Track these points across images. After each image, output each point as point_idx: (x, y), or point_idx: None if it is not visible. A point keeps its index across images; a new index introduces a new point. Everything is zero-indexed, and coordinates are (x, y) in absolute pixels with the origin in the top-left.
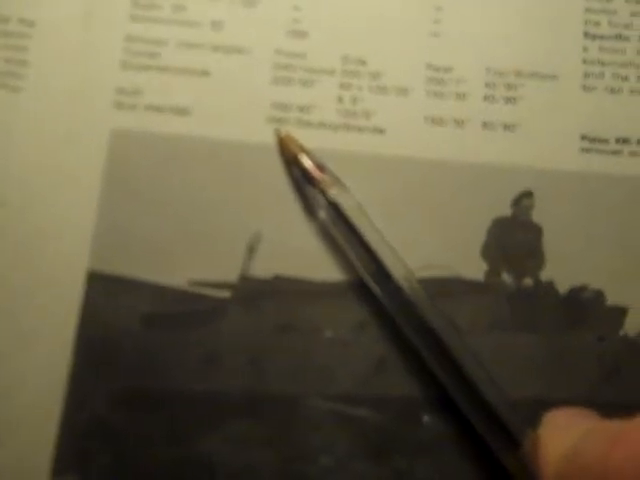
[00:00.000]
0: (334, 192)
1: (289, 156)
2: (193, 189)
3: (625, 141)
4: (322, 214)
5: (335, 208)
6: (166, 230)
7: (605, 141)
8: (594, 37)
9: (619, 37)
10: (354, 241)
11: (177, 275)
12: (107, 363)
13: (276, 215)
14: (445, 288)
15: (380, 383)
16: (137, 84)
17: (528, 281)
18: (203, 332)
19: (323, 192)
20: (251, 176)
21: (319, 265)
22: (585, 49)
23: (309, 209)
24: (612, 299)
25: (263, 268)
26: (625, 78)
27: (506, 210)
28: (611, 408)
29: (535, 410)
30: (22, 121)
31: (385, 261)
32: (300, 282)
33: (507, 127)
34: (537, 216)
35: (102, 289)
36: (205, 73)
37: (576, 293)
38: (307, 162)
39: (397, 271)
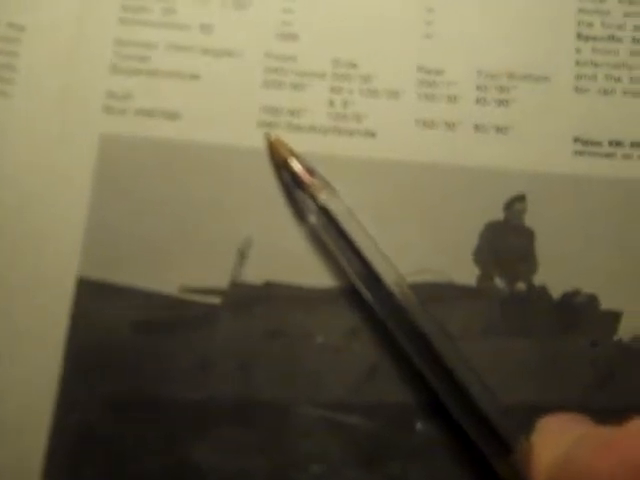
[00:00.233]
0: (324, 197)
1: (279, 160)
2: (183, 194)
3: (618, 144)
4: (312, 219)
5: (325, 213)
6: (156, 236)
7: (598, 144)
8: (587, 38)
9: (612, 38)
10: (344, 246)
11: (167, 281)
12: (98, 369)
13: (267, 220)
14: (437, 293)
15: (372, 390)
16: (127, 88)
17: (521, 286)
18: (194, 339)
19: (313, 197)
20: (241, 181)
21: (310, 271)
22: (578, 50)
23: (299, 214)
24: (606, 303)
25: (254, 274)
26: (618, 79)
27: (498, 214)
28: (605, 414)
29: (528, 416)
30: (11, 127)
31: (376, 266)
32: (291, 288)
33: (499, 130)
34: (530, 220)
35: (92, 295)
36: (195, 77)
37: (569, 297)
38: (297, 166)
39: (388, 276)
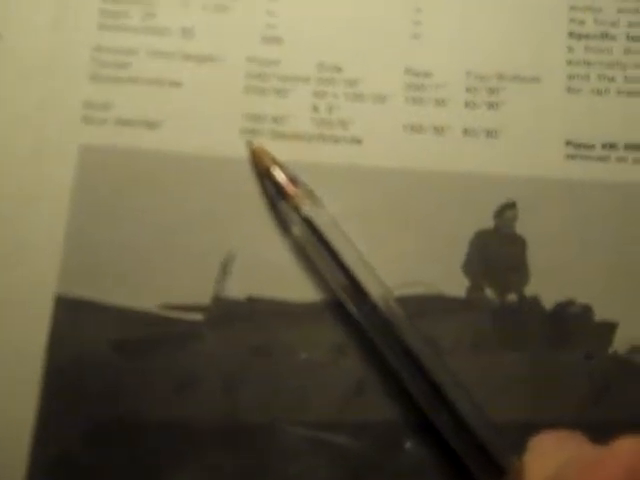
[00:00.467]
0: (308, 207)
1: (262, 169)
2: (164, 207)
3: (612, 146)
4: (296, 231)
5: (309, 224)
6: (136, 251)
7: (591, 147)
8: (579, 36)
9: (605, 36)
10: (329, 259)
11: (148, 298)
12: (76, 393)
13: (250, 233)
14: (426, 306)
15: (359, 408)
16: (106, 97)
17: (512, 297)
18: (175, 358)
19: (296, 207)
20: (224, 192)
21: (294, 285)
22: (570, 49)
23: (283, 225)
24: (600, 314)
25: (237, 289)
26: (612, 79)
27: (489, 222)
28: (601, 429)
29: (521, 433)
30: None
31: (361, 279)
32: (275, 303)
33: (489, 134)
34: (521, 228)
35: (70, 314)
36: (176, 84)
37: (562, 308)
38: (280, 176)
39: (374, 290)
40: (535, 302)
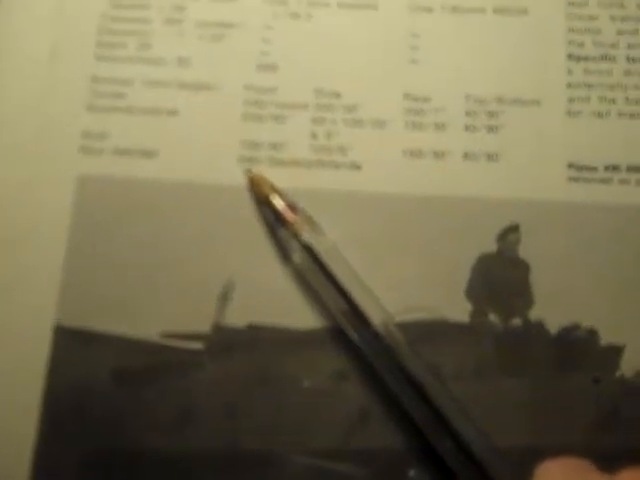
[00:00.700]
0: (307, 234)
1: (260, 197)
2: (163, 236)
3: (615, 168)
4: (296, 258)
5: (309, 251)
6: (135, 280)
7: (593, 169)
8: (578, 59)
9: (605, 58)
10: (329, 286)
11: (148, 327)
12: (76, 422)
13: (250, 260)
14: (428, 332)
15: (362, 436)
16: (103, 127)
17: (516, 321)
18: (176, 387)
19: (296, 235)
20: (223, 220)
21: (295, 312)
22: (569, 72)
23: (283, 253)
24: (606, 338)
25: (237, 317)
26: (612, 101)
27: (491, 246)
28: (609, 454)
29: (527, 461)
30: None
31: (362, 306)
32: (276, 330)
33: (490, 157)
34: (524, 251)
35: (69, 343)
36: (173, 112)
37: (568, 332)
38: (279, 203)
39: (375, 316)
40: (540, 326)
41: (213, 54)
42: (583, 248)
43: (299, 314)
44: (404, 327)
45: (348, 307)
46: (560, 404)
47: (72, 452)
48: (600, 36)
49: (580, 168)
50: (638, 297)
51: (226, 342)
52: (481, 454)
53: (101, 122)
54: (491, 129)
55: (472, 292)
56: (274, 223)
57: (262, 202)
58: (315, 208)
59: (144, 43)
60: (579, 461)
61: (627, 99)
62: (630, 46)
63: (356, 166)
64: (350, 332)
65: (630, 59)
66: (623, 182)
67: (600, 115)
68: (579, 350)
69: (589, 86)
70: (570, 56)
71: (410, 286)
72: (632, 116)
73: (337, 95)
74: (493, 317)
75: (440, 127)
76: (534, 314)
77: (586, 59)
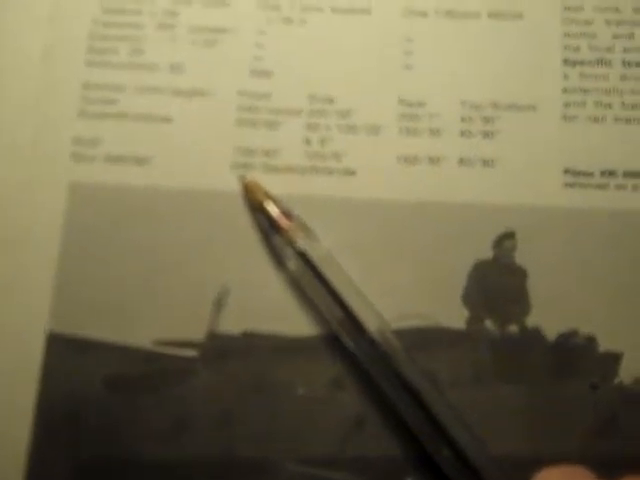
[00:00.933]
0: (302, 241)
1: (255, 204)
2: (156, 243)
3: (611, 174)
4: (291, 264)
5: (303, 258)
6: (128, 287)
7: (590, 174)
8: (574, 63)
9: (601, 62)
10: (324, 292)
11: (141, 335)
12: (69, 430)
13: (244, 267)
14: (424, 339)
15: (358, 443)
16: (95, 133)
17: (513, 328)
18: (170, 395)
19: (291, 241)
20: (217, 227)
21: (290, 319)
22: (565, 77)
23: (278, 259)
24: (604, 344)
25: (232, 324)
26: (608, 106)
27: (487, 252)
28: (607, 461)
29: (524, 468)
30: None
31: (357, 313)
32: (270, 337)
33: (485, 163)
34: (520, 257)
35: (63, 352)
36: (166, 119)
37: (565, 339)
38: (273, 210)
39: (370, 323)
40: (537, 333)
41: (206, 60)
42: (580, 254)
43: (294, 321)
44: (399, 334)
45: (343, 314)
46: (558, 411)
47: (66, 460)
48: (596, 40)
49: (576, 174)
50: (636, 303)
51: (221, 349)
52: (478, 462)
53: (93, 129)
54: (487, 135)
55: (468, 299)
56: (268, 230)
57: (256, 209)
58: (309, 214)
59: (136, 49)
60: (577, 468)
61: (623, 104)
62: (626, 50)
63: (350, 172)
64: (345, 339)
65: (626, 63)
66: (619, 187)
67: (596, 120)
68: (577, 357)
69: (585, 91)
70: (566, 61)
71: (405, 292)
72: (628, 121)
73: (331, 100)
74: (490, 324)
75: (435, 133)
76: (531, 320)
77: (582, 64)
